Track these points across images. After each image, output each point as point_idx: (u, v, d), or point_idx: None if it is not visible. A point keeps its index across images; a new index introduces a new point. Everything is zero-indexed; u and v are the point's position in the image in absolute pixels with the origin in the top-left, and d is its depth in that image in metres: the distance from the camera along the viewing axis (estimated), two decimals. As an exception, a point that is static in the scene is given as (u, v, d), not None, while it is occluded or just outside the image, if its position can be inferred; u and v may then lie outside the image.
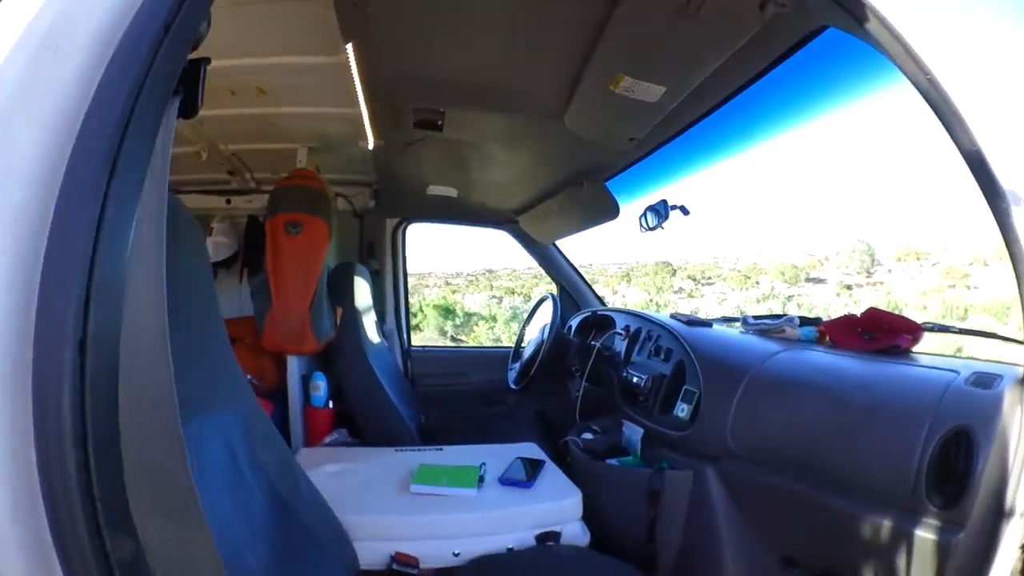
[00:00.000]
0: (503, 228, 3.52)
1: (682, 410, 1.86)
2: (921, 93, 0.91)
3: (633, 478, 1.88)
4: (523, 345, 3.13)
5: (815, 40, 1.37)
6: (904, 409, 1.28)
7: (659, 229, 2.25)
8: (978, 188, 0.90)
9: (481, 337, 16.31)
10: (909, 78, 0.92)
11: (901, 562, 1.23)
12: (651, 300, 24.40)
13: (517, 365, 3.00)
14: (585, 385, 2.52)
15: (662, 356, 2.14)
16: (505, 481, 1.80)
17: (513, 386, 2.87)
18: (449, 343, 16.84)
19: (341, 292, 2.43)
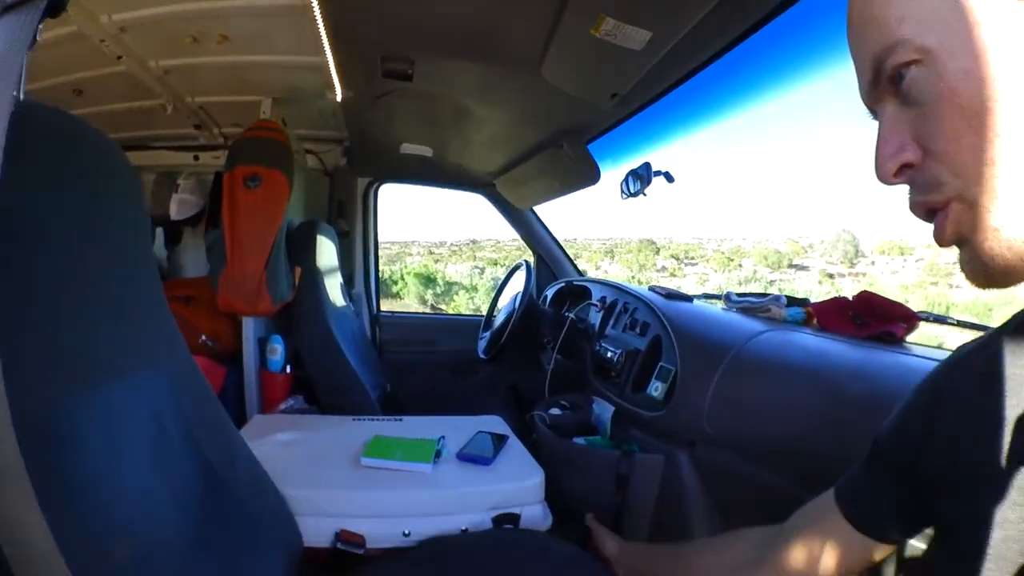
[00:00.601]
0: (480, 192, 3.34)
1: (656, 389, 1.72)
2: None
3: (600, 460, 1.74)
4: (495, 314, 2.97)
5: None
6: (898, 400, 1.15)
7: (641, 195, 2.10)
8: None
9: (461, 307, 16.29)
10: None
11: (890, 569, 1.10)
12: (633, 277, 24.54)
13: (487, 334, 2.85)
14: (556, 358, 2.39)
15: (638, 330, 2.00)
16: (463, 457, 1.66)
17: (482, 356, 2.72)
18: (429, 312, 16.79)
19: (302, 251, 2.27)
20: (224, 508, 1.04)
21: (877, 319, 1.55)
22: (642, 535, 1.68)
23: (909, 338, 1.51)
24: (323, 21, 1.60)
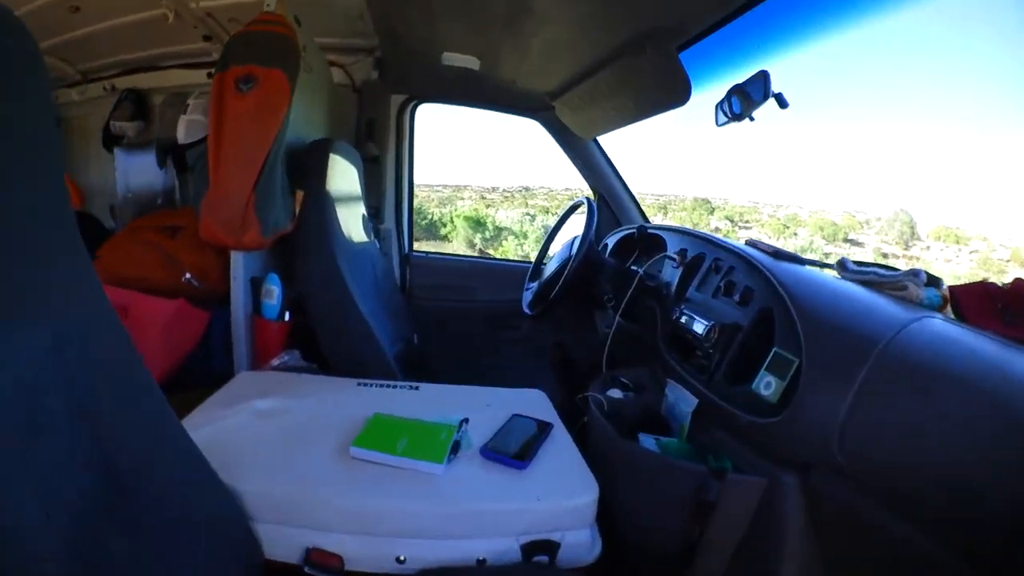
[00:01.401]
0: (535, 116, 2.76)
1: (767, 385, 1.20)
2: None
3: (677, 475, 1.26)
4: (545, 262, 2.46)
5: None
6: None
7: (746, 120, 1.57)
8: None
9: (509, 252, 15.86)
10: None
11: None
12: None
13: (534, 286, 2.35)
14: (619, 321, 1.89)
15: (736, 297, 1.48)
16: (490, 454, 1.22)
17: (527, 311, 2.23)
18: (477, 255, 16.44)
19: (308, 172, 1.80)
20: (136, 531, 0.73)
21: None
22: None
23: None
24: None
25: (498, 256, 15.64)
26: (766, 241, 1.71)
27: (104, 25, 2.22)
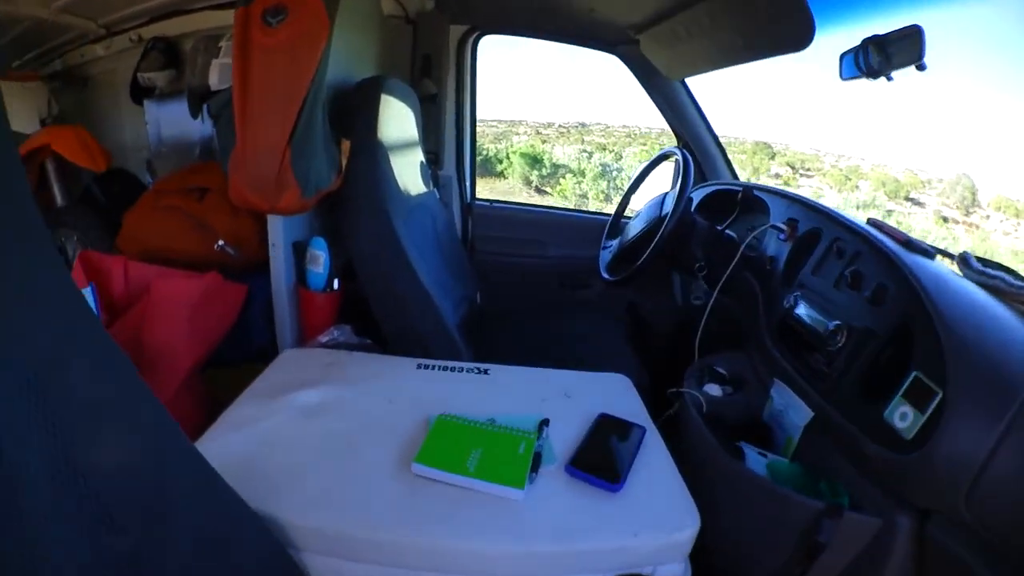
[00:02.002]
0: (614, 51, 2.43)
1: (902, 416, 0.98)
2: None
3: (788, 508, 1.07)
4: (626, 216, 2.24)
5: None
6: None
7: (884, 78, 1.29)
8: None
9: (567, 191, 15.55)
10: None
11: None
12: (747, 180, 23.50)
13: (614, 244, 2.12)
14: (715, 299, 1.66)
15: (868, 294, 1.22)
16: (578, 472, 1.02)
17: (606, 275, 2.01)
18: (533, 193, 16.13)
19: (357, 118, 1.56)
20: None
21: None
22: None
23: None
24: None
25: (555, 194, 15.36)
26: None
27: None
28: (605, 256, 2.13)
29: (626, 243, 1.99)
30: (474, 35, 2.48)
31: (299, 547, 0.89)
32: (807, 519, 1.03)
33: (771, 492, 1.10)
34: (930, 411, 0.94)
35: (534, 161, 17.52)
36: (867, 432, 1.04)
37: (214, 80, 2.11)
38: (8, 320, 0.50)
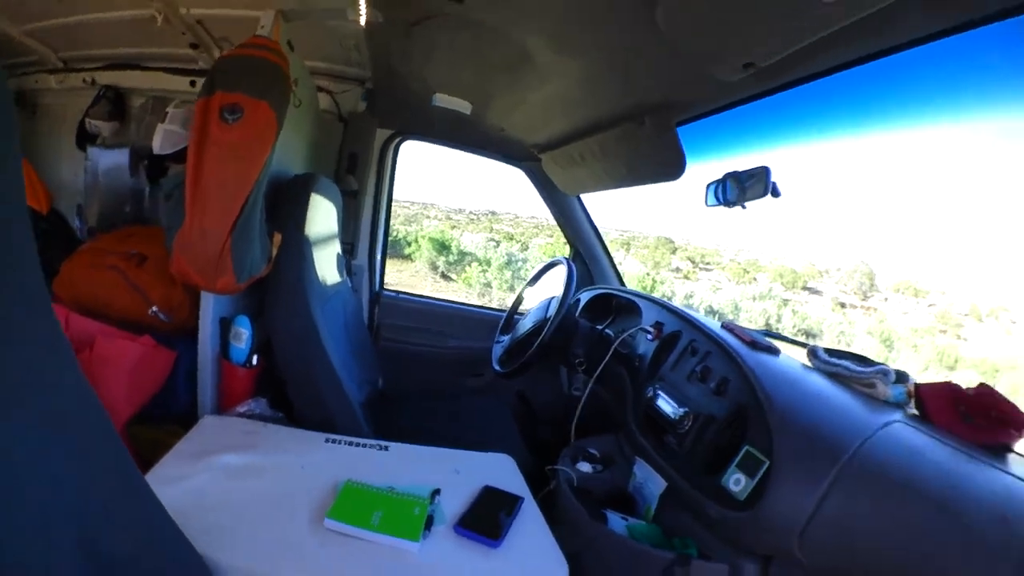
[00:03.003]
0: (520, 165, 2.78)
1: (736, 481, 1.25)
2: None
3: (645, 560, 1.30)
4: (519, 314, 2.49)
5: None
6: None
7: (739, 207, 1.61)
8: None
9: (472, 279, 15.88)
10: None
11: None
12: (648, 274, 24.34)
13: (506, 340, 2.36)
14: (590, 390, 1.91)
15: (713, 386, 1.52)
16: (463, 531, 1.22)
17: (497, 368, 2.23)
18: (439, 278, 16.36)
19: (288, 212, 1.76)
20: None
21: (989, 421, 1.29)
22: None
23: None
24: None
25: (460, 282, 15.63)
26: (742, 326, 1.75)
27: (90, 17, 2.18)
28: (497, 350, 2.35)
29: (516, 339, 2.23)
30: (397, 139, 2.75)
31: None
32: (661, 568, 1.24)
33: (630, 547, 1.32)
34: (758, 477, 1.19)
35: (442, 247, 17.83)
36: (709, 496, 1.28)
37: (157, 144, 2.25)
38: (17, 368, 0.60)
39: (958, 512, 0.99)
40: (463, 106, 2.19)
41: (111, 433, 0.73)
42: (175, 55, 2.47)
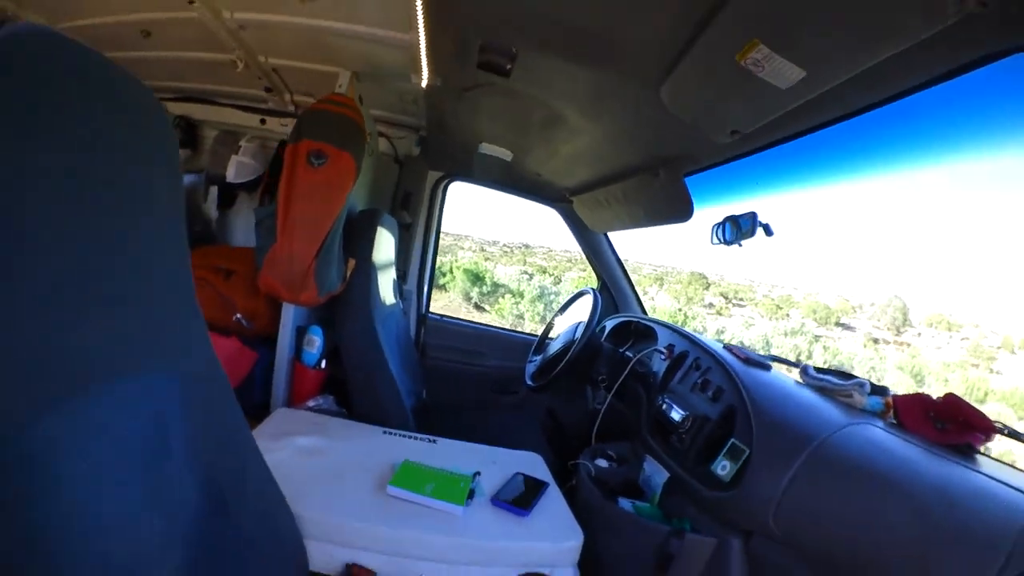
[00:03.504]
0: (554, 206, 3.16)
1: (723, 467, 1.54)
2: None
3: (646, 532, 1.58)
4: (550, 338, 2.80)
5: (1004, 60, 1.04)
6: (987, 536, 1.08)
7: (736, 245, 1.90)
8: None
9: (505, 310, 16.16)
10: None
11: None
12: (680, 309, 24.33)
13: (538, 359, 2.67)
14: (611, 400, 2.20)
15: (710, 394, 1.81)
16: (499, 503, 1.52)
17: (530, 383, 2.54)
18: (472, 309, 16.69)
19: (359, 242, 2.10)
20: (227, 536, 0.90)
21: (958, 426, 1.46)
22: None
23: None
24: (423, -3, 1.45)
25: (493, 312, 15.90)
26: (741, 346, 2.04)
27: (171, 54, 2.28)
28: (530, 368, 2.67)
29: (547, 358, 2.54)
30: (446, 180, 3.12)
31: (307, 536, 1.27)
32: (660, 538, 1.52)
33: (635, 522, 1.61)
34: (740, 463, 1.48)
35: (476, 278, 18.13)
36: (701, 481, 1.57)
37: (231, 173, 2.61)
38: (177, 333, 0.80)
39: (910, 495, 1.19)
40: (505, 154, 2.54)
41: (228, 393, 0.95)
42: (248, 94, 2.66)
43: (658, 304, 22.81)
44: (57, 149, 0.58)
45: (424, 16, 1.55)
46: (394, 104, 2.56)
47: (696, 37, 1.21)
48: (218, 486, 0.87)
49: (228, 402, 0.96)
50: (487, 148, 2.52)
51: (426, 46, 1.72)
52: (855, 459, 1.32)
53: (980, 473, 1.25)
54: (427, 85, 1.97)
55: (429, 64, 1.84)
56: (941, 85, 1.16)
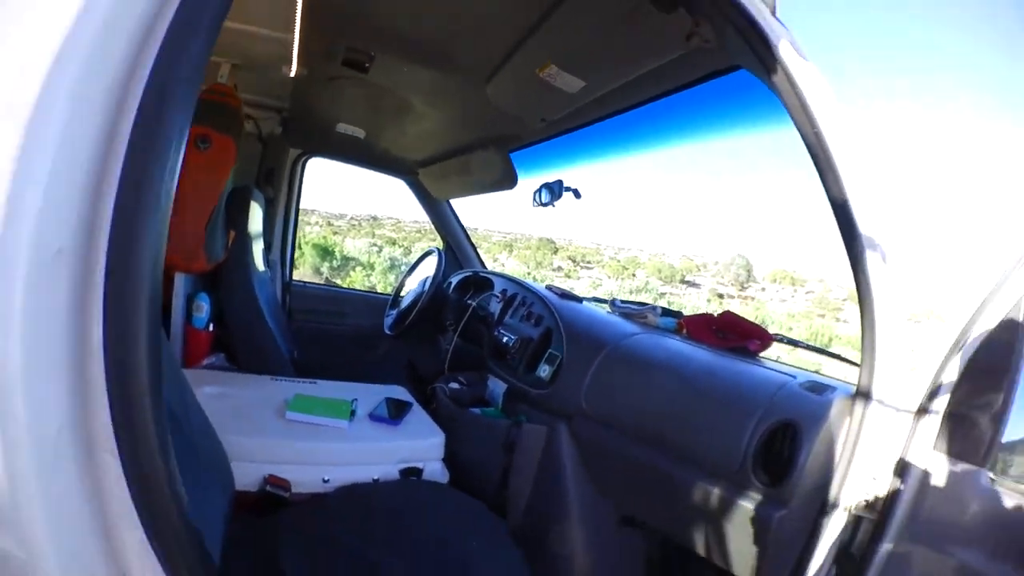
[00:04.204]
0: (402, 177, 3.58)
1: (544, 371, 2.06)
2: (806, 144, 1.12)
3: (493, 427, 2.06)
4: (402, 294, 3.26)
5: (726, 76, 1.57)
6: (740, 396, 1.51)
7: (550, 207, 2.41)
8: (839, 231, 1.14)
9: (356, 283, 16.18)
10: (799, 129, 1.12)
11: (727, 527, 1.45)
12: (529, 273, 24.98)
13: (395, 312, 3.15)
14: (456, 340, 2.68)
15: (533, 321, 2.32)
16: (374, 417, 1.93)
17: (388, 332, 3.00)
18: (323, 284, 16.61)
19: (236, 216, 2.41)
20: (180, 449, 1.21)
21: (736, 335, 1.94)
22: (525, 495, 1.98)
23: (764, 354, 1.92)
24: (302, 3, 1.72)
25: (345, 285, 15.93)
26: (561, 287, 2.57)
27: None
28: (388, 320, 3.15)
29: (402, 311, 3.03)
30: (305, 157, 3.45)
31: (230, 457, 1.45)
32: (503, 431, 1.99)
33: (483, 421, 2.11)
34: (556, 365, 2.00)
35: (325, 253, 17.85)
36: (530, 384, 2.08)
37: None
38: None
39: (682, 374, 1.68)
40: (359, 132, 2.93)
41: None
42: None
43: (508, 269, 23.47)
44: None
45: (302, 20, 1.83)
46: (264, 89, 2.78)
47: (511, 54, 1.70)
48: (171, 408, 1.12)
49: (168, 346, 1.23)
50: (343, 128, 2.89)
51: (299, 44, 1.99)
52: (641, 354, 1.86)
53: (746, 362, 1.73)
54: (295, 75, 2.24)
55: (300, 58, 2.12)
56: (694, 88, 1.69)
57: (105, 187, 0.63)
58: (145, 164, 0.63)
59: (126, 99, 0.63)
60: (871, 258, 1.11)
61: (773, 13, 1.11)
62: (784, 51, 1.08)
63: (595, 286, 26.99)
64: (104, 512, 0.68)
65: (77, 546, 0.66)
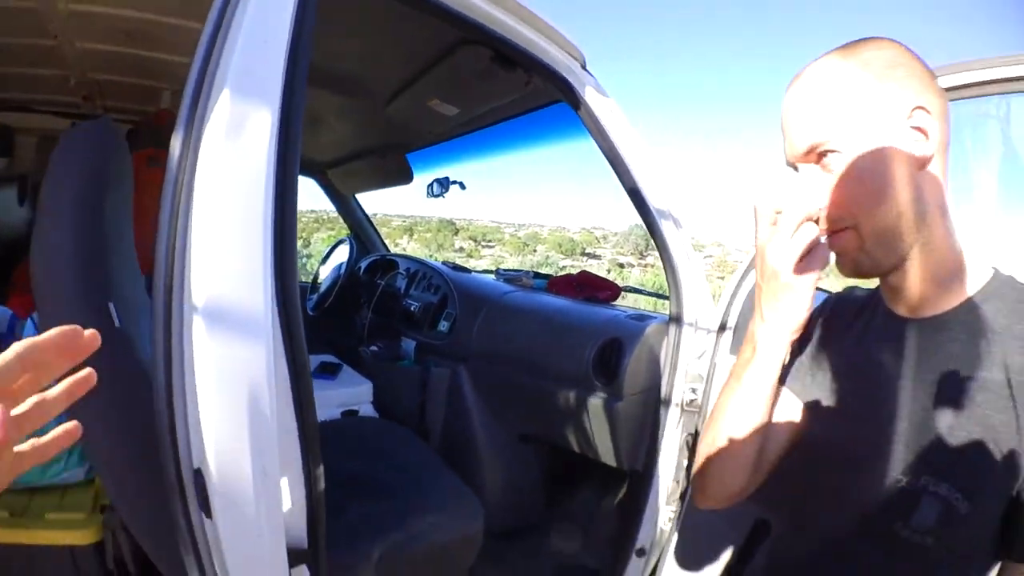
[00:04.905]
0: (312, 176, 3.97)
1: (444, 326, 2.65)
2: (603, 152, 1.69)
3: (409, 374, 2.62)
4: (319, 281, 3.80)
5: (551, 106, 2.14)
6: (583, 326, 2.11)
7: (441, 198, 3.00)
8: (634, 207, 1.73)
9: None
10: (596, 141, 1.69)
11: (586, 421, 2.02)
12: (431, 255, 25.19)
13: (315, 296, 3.66)
14: (370, 315, 3.19)
15: (432, 291, 2.89)
16: (315, 375, 2.46)
17: (312, 313, 3.52)
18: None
19: None
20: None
21: (591, 289, 2.57)
22: (438, 425, 2.52)
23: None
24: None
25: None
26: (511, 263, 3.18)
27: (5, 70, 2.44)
28: (310, 304, 3.64)
29: (321, 294, 3.58)
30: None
31: None
32: (417, 376, 2.55)
33: (400, 369, 2.69)
34: (452, 321, 2.60)
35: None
36: (433, 339, 2.65)
37: None
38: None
39: (542, 316, 2.28)
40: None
41: None
42: (65, 101, 2.82)
43: (410, 251, 23.71)
44: None
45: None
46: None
47: (406, 88, 2.23)
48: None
49: None
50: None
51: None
52: (515, 306, 2.45)
53: (592, 305, 2.35)
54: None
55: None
56: (532, 113, 2.29)
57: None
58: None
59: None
60: (665, 226, 1.72)
61: (583, 67, 1.64)
62: (587, 92, 1.64)
63: (497, 264, 27.39)
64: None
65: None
